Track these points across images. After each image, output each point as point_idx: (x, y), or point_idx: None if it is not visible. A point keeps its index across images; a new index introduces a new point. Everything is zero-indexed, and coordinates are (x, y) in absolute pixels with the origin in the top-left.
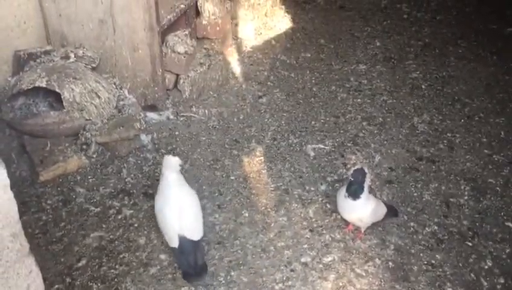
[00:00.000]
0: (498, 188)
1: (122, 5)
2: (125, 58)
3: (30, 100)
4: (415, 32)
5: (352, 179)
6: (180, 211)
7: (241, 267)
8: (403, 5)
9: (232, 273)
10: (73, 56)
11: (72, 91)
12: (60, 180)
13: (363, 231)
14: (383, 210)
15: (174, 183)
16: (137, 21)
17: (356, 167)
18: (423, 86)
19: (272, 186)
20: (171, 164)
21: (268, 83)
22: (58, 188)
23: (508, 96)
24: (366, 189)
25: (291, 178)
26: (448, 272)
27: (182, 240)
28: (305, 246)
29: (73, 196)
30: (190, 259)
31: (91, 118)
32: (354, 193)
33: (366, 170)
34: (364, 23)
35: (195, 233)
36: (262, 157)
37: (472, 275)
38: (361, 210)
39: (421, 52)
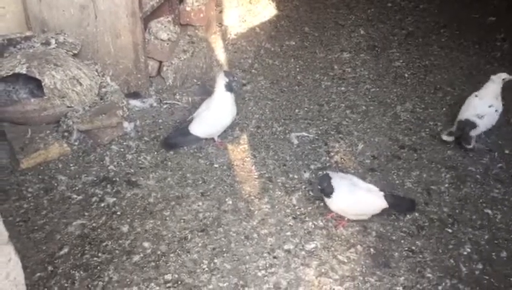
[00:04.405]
0: (478, 176)
1: None
2: (107, 45)
3: (10, 87)
4: (398, 20)
5: (319, 187)
6: (205, 108)
7: (225, 254)
8: None
9: (216, 261)
10: (54, 42)
11: (53, 78)
12: (41, 168)
13: (345, 219)
14: (375, 205)
15: (220, 94)
16: (120, 7)
17: (320, 174)
18: (406, 75)
19: (256, 174)
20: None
21: (253, 70)
22: (40, 176)
23: None
24: (338, 187)
25: (274, 166)
26: (428, 258)
27: (186, 123)
28: (288, 233)
29: (55, 184)
30: (173, 134)
31: (72, 105)
32: (325, 193)
33: (330, 175)
34: (349, 11)
35: (193, 127)
36: (246, 145)
37: (451, 261)
38: (336, 205)
39: (404, 40)
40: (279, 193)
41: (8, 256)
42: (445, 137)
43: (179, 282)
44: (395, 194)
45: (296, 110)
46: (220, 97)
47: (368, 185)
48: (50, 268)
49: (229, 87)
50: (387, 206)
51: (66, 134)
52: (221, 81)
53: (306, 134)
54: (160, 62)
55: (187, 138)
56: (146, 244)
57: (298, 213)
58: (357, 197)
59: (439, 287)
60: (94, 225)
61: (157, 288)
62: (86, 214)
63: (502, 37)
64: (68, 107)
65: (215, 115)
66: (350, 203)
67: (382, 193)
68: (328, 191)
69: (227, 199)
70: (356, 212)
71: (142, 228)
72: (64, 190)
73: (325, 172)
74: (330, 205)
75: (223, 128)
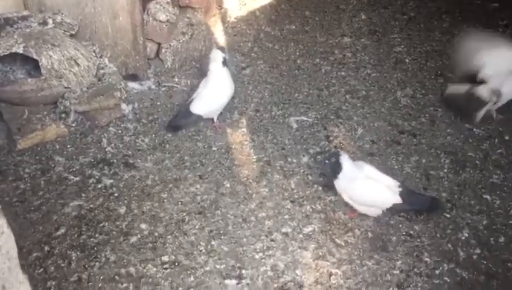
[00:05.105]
0: (477, 162)
1: None
2: (105, 26)
3: (7, 67)
4: (400, 6)
5: (327, 161)
6: (202, 88)
7: (222, 236)
8: None
9: (213, 243)
10: (51, 22)
11: (50, 58)
12: (38, 148)
13: (356, 213)
14: (384, 197)
15: (216, 70)
16: None
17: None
18: (407, 60)
19: (254, 157)
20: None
21: (252, 54)
22: (37, 157)
23: None
24: (345, 168)
25: (273, 150)
26: (425, 243)
27: (186, 105)
28: (286, 216)
29: (52, 165)
30: (177, 116)
31: (70, 86)
32: (332, 171)
33: (341, 154)
34: None
35: (194, 106)
36: (244, 129)
37: (449, 245)
38: (342, 188)
39: (405, 26)
40: (278, 176)
41: (1, 229)
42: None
43: (176, 263)
44: (416, 192)
45: (296, 95)
46: (217, 73)
47: (384, 177)
48: (47, 248)
49: (222, 63)
50: (401, 201)
51: (63, 115)
52: (216, 57)
53: (305, 118)
54: (159, 44)
55: (189, 119)
56: (143, 225)
57: (296, 197)
58: (365, 184)
59: (437, 272)
60: (91, 206)
61: (154, 269)
62: (83, 195)
63: (504, 24)
64: (65, 88)
65: (213, 91)
66: (357, 188)
67: (399, 188)
68: (335, 169)
69: (225, 182)
70: (363, 201)
71: (139, 209)
72: (61, 171)
73: (338, 150)
74: (336, 185)
75: (223, 104)
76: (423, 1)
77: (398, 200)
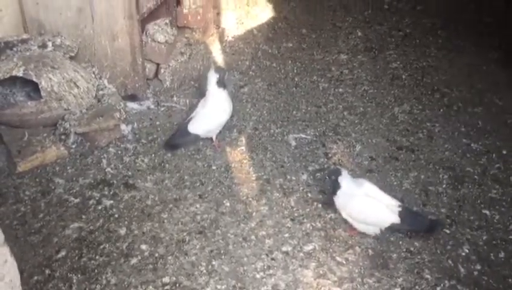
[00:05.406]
0: (476, 177)
1: None
2: (105, 47)
3: (7, 90)
4: (395, 22)
5: (327, 177)
6: (201, 108)
7: (223, 256)
8: None
9: (214, 263)
10: (51, 45)
11: (50, 80)
12: (39, 171)
13: (355, 229)
14: (382, 216)
15: (213, 90)
16: (117, 9)
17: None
18: (403, 76)
19: (254, 175)
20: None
21: (250, 72)
22: (37, 179)
23: (486, 86)
24: (344, 185)
25: (272, 168)
26: (426, 259)
27: (184, 124)
28: (286, 235)
29: (52, 187)
30: (174, 135)
31: (70, 108)
32: (331, 188)
33: (342, 171)
34: (346, 13)
35: (192, 126)
36: (243, 147)
37: (450, 261)
38: (340, 205)
39: (401, 42)
40: (277, 194)
41: (4, 257)
42: None
43: (177, 285)
44: (415, 212)
45: (294, 112)
46: (214, 94)
47: (384, 195)
48: (47, 271)
49: (220, 84)
50: (399, 221)
51: (63, 137)
52: (212, 78)
53: (304, 135)
54: (158, 64)
55: (187, 138)
56: (144, 246)
57: (296, 215)
58: (363, 202)
59: (438, 288)
60: (91, 227)
61: None
62: (83, 217)
63: (498, 38)
64: (65, 109)
65: (211, 112)
66: (355, 206)
67: (398, 208)
68: (334, 186)
69: (225, 201)
70: (361, 219)
71: (139, 230)
72: (62, 193)
73: (338, 167)
74: (335, 202)
75: (220, 125)
76: (418, 17)
77: (396, 220)
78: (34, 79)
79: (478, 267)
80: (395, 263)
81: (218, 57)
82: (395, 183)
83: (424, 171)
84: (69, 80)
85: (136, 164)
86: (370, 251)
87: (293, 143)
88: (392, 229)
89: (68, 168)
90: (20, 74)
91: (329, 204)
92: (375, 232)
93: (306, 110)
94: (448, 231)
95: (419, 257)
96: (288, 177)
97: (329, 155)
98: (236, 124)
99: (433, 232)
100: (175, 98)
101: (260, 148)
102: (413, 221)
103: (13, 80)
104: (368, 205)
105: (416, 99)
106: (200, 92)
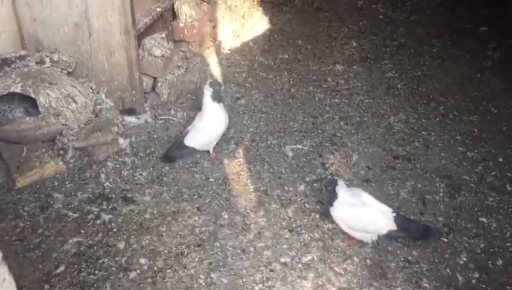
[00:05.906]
0: (472, 185)
1: (97, 9)
2: (102, 62)
3: (5, 106)
4: (390, 32)
5: (324, 188)
6: (197, 121)
7: (221, 269)
8: (379, 5)
9: (212, 275)
10: (48, 61)
11: (48, 96)
12: (37, 186)
13: (353, 238)
14: (379, 223)
15: (209, 104)
16: (113, 24)
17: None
18: (399, 86)
19: (251, 187)
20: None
21: (247, 84)
22: (35, 194)
23: (481, 95)
24: (340, 196)
25: (270, 179)
26: (424, 268)
27: (182, 137)
28: (285, 246)
29: (51, 202)
30: (172, 148)
31: (68, 123)
32: (328, 197)
33: (338, 181)
34: (341, 23)
35: (188, 139)
36: (241, 159)
37: (448, 270)
38: (337, 215)
39: (396, 52)
40: (275, 205)
41: (3, 276)
42: None
43: None
44: (409, 219)
45: (291, 123)
46: (209, 108)
47: (379, 204)
48: (47, 287)
49: (215, 97)
50: (396, 228)
51: (61, 152)
52: (207, 92)
53: (301, 146)
54: (155, 78)
55: (184, 151)
56: (142, 260)
57: (294, 226)
58: (360, 211)
59: None
60: (90, 242)
61: None
62: (82, 231)
63: (493, 47)
64: (63, 125)
65: (206, 125)
66: (352, 215)
67: (393, 214)
68: (331, 196)
69: (223, 213)
70: (359, 228)
71: (138, 244)
72: (60, 208)
73: (335, 177)
74: (332, 213)
75: (216, 138)
76: (413, 27)
77: (393, 226)
78: (32, 95)
79: (476, 275)
80: (394, 273)
81: (215, 69)
82: (392, 192)
83: (421, 180)
84: (66, 95)
85: (134, 177)
86: (368, 261)
87: (290, 154)
88: (389, 236)
89: (67, 182)
90: (18, 90)
91: (326, 214)
92: (372, 239)
93: (302, 121)
94: (445, 240)
95: (417, 266)
96: (286, 188)
97: (326, 165)
98: (233, 136)
99: (429, 238)
100: (172, 111)
101: (257, 160)
102: (408, 227)
103: (11, 96)
104: (366, 214)
105: (411, 108)
106: (198, 105)
